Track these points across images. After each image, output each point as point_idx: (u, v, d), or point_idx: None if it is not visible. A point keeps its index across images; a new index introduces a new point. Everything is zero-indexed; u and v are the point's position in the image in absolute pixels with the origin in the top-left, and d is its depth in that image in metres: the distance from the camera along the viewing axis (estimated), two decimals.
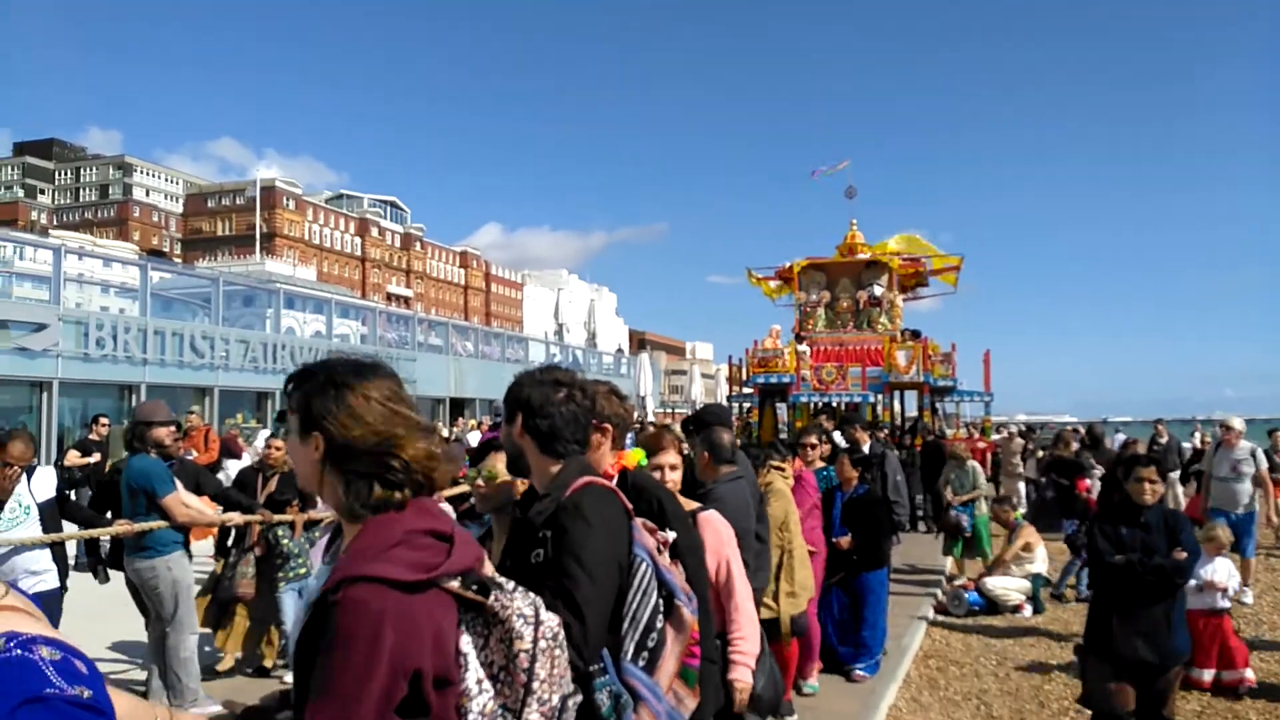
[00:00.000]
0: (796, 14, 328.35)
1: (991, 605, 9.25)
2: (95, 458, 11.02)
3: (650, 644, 2.23)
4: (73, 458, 11.09)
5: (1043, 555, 9.72)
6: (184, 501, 5.94)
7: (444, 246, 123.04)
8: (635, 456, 2.96)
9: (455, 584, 1.61)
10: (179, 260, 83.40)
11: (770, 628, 5.13)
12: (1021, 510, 10.73)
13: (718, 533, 3.56)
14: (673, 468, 5.33)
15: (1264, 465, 9.91)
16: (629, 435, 3.43)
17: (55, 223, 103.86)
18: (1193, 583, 6.15)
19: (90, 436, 11.65)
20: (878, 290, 20.74)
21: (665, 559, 2.37)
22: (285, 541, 6.74)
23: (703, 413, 5.74)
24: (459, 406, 23.14)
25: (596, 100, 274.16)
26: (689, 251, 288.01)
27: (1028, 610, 9.23)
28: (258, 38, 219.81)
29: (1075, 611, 9.39)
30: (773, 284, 22.54)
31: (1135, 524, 4.85)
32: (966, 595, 9.34)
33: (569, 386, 2.44)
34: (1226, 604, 6.84)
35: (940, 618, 9.11)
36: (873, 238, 21.82)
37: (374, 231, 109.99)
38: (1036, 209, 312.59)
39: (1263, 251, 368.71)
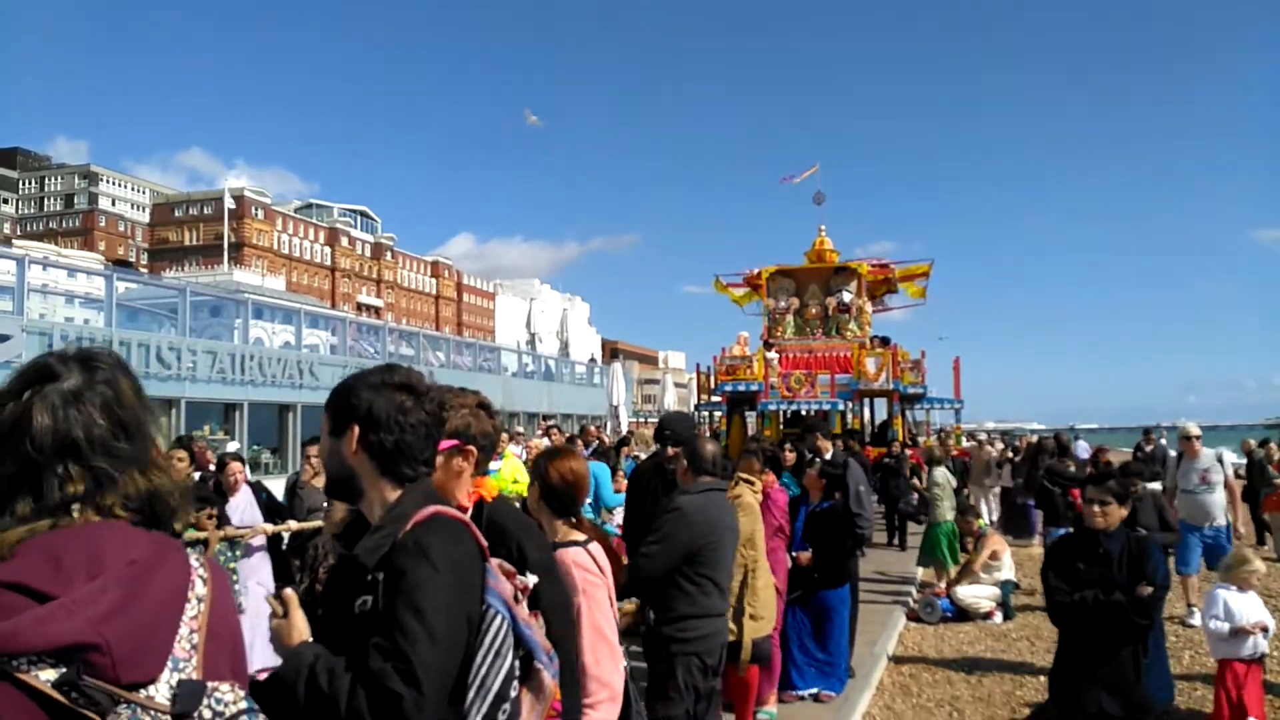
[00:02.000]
0: (767, 26, 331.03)
1: (963, 613, 9.31)
2: None
3: (502, 717, 1.83)
4: None
5: (1009, 562, 9.80)
6: None
7: (416, 256, 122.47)
8: (496, 484, 2.49)
9: (41, 675, 1.14)
10: (145, 270, 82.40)
11: (729, 651, 4.79)
12: (984, 520, 10.79)
13: (570, 575, 2.95)
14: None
15: (1230, 472, 9.23)
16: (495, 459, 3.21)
17: (19, 232, 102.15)
18: (1224, 626, 5.22)
19: None
20: (846, 296, 20.60)
21: (524, 609, 1.96)
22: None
23: (670, 423, 5.54)
24: None
25: (569, 112, 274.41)
26: (662, 261, 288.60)
27: (998, 617, 9.30)
28: (230, 48, 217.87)
29: (1044, 618, 9.46)
30: (740, 291, 22.36)
31: (1094, 555, 4.24)
32: (939, 602, 9.40)
33: (419, 393, 2.00)
34: (1264, 646, 5.44)
35: (912, 625, 9.16)
36: (841, 245, 21.73)
37: (344, 241, 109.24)
38: (1005, 221, 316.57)
39: (1224, 261, 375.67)
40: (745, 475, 5.59)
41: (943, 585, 10.04)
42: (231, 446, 12.65)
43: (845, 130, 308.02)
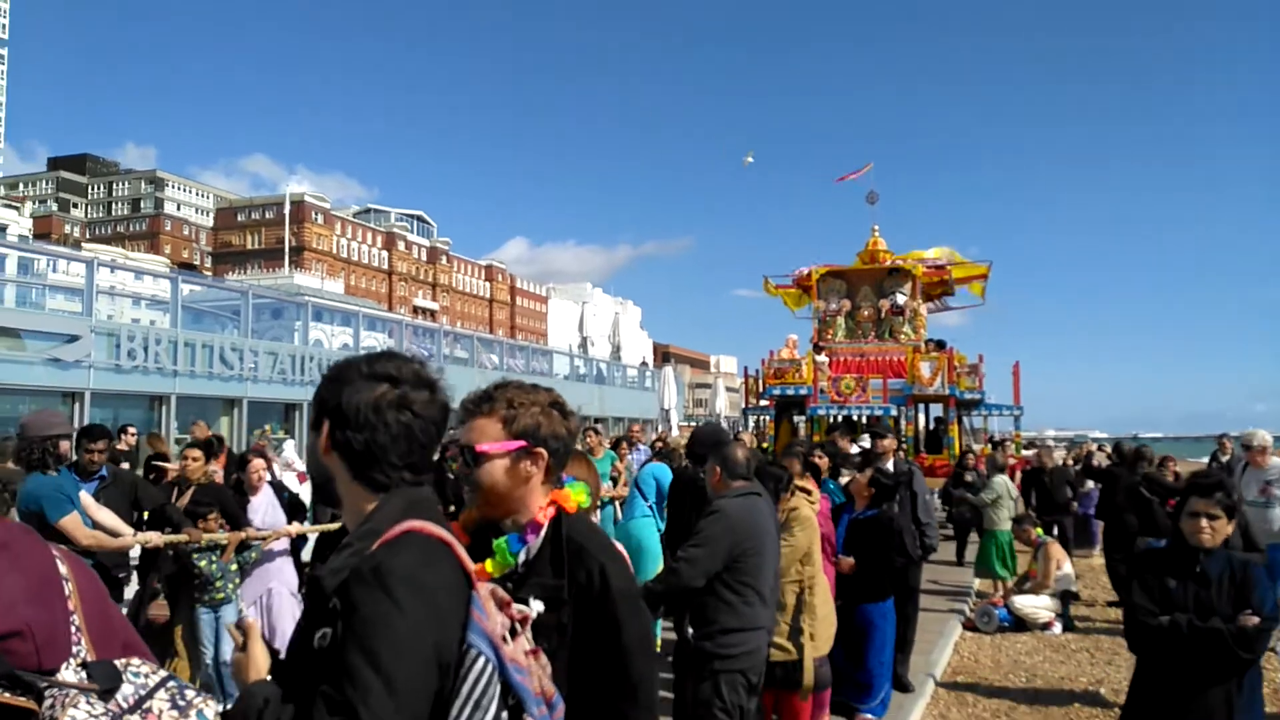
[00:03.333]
0: (823, 27, 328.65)
1: (1020, 623, 9.12)
2: (124, 467, 11.13)
3: None
4: None
5: (1070, 571, 9.59)
6: (93, 522, 5.41)
7: (470, 260, 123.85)
8: (577, 496, 2.16)
9: None
10: (209, 273, 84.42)
11: (783, 672, 4.63)
12: (1041, 529, 10.53)
13: None
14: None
15: None
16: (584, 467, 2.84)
17: (88, 236, 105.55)
18: None
19: (119, 446, 11.78)
20: (900, 299, 19.87)
21: (520, 646, 1.62)
22: (201, 564, 5.99)
23: (700, 440, 5.35)
24: None
25: (623, 116, 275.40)
26: (714, 265, 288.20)
27: (1057, 627, 9.10)
28: (292, 57, 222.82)
29: (1105, 629, 9.25)
30: (790, 294, 21.64)
31: (1189, 574, 3.67)
32: (996, 612, 9.23)
33: (403, 383, 1.69)
34: None
35: (969, 634, 9.00)
36: (896, 248, 20.92)
37: (401, 245, 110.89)
38: (1064, 223, 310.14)
39: None
40: (802, 485, 5.25)
41: (1000, 595, 9.85)
42: (289, 446, 12.88)
43: (903, 133, 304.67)
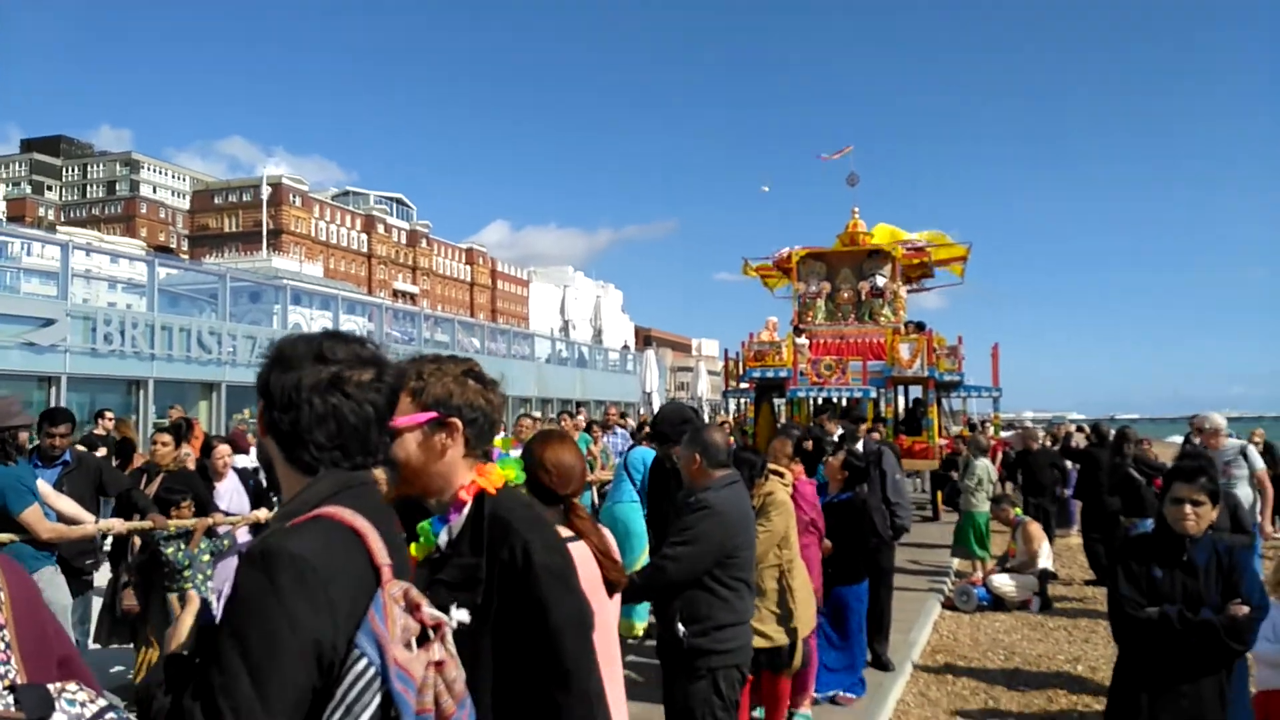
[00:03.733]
0: (803, 9, 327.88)
1: (999, 601, 9.22)
2: (101, 452, 11.05)
3: None
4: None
5: (1047, 551, 9.70)
6: (53, 513, 5.29)
7: (450, 244, 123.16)
8: (506, 471, 2.05)
9: None
10: (186, 256, 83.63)
11: (766, 658, 4.71)
12: (1019, 509, 10.63)
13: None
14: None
15: (1259, 464, 8.40)
16: (501, 437, 2.66)
17: (63, 219, 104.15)
18: (1269, 649, 4.14)
19: (95, 431, 11.69)
20: (880, 280, 19.83)
21: (424, 657, 1.43)
22: (168, 551, 5.70)
23: (663, 420, 5.14)
24: None
25: (604, 98, 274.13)
26: (696, 248, 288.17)
27: (1035, 606, 9.21)
28: (269, 38, 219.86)
29: (1082, 606, 9.37)
30: (770, 275, 21.64)
31: (1176, 563, 3.57)
32: (975, 591, 9.32)
33: (335, 364, 1.60)
34: None
35: (948, 613, 9.09)
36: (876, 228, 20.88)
37: (380, 228, 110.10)
38: (1042, 205, 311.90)
39: (1271, 250, 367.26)
40: (776, 468, 5.19)
41: (979, 574, 9.94)
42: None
43: (884, 113, 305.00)
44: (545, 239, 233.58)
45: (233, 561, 6.01)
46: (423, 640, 1.44)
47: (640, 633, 7.18)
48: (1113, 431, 12.04)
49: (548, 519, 2.08)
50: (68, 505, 5.53)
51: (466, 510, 1.93)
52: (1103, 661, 7.34)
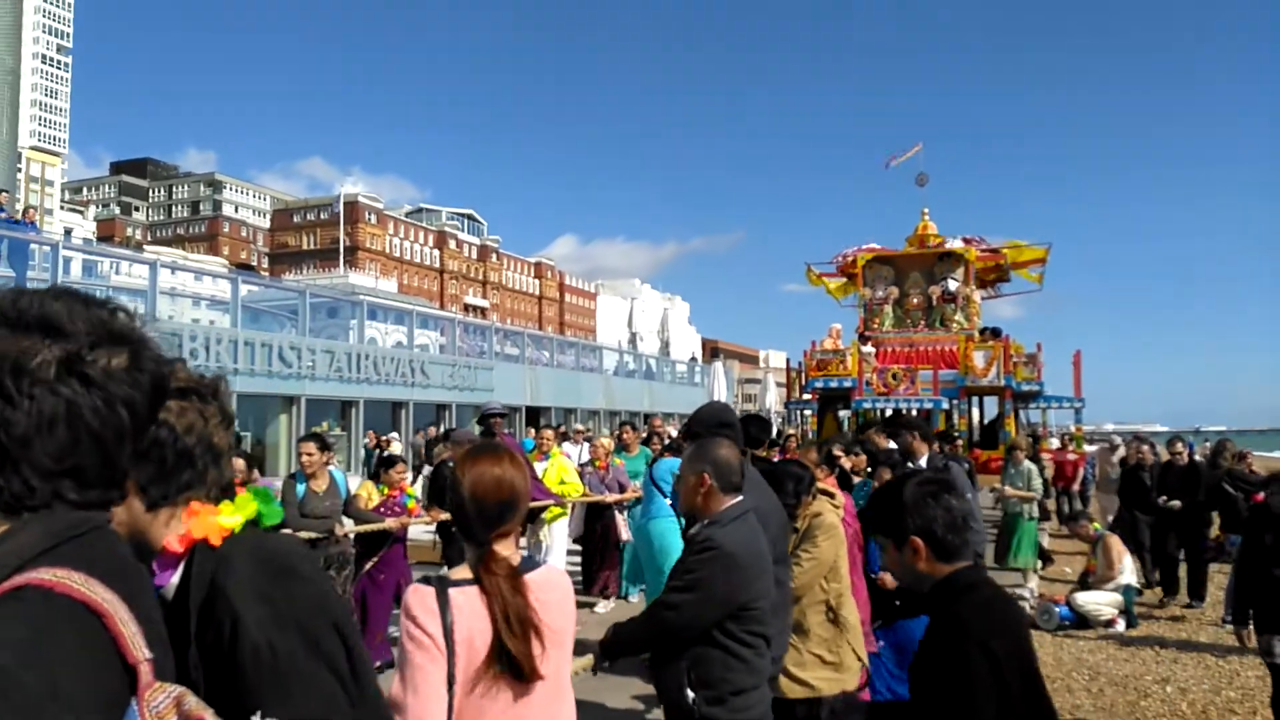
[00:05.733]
0: (875, 15, 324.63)
1: (1083, 620, 8.94)
2: None
3: None
4: None
5: (1130, 566, 9.38)
6: None
7: (519, 258, 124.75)
8: (228, 514, 1.45)
9: None
10: (266, 273, 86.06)
11: (805, 710, 3.95)
12: (1099, 523, 10.25)
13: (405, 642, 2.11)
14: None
15: None
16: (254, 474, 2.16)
17: (149, 238, 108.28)
18: None
19: None
20: (952, 285, 18.91)
21: None
22: None
23: (703, 417, 4.02)
24: (535, 414, 23.38)
25: (672, 113, 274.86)
26: (763, 260, 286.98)
27: (1121, 625, 8.91)
28: (348, 63, 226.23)
29: (1170, 627, 9.04)
30: (835, 282, 20.68)
31: None
32: (1057, 609, 9.05)
33: (70, 337, 1.01)
34: None
35: (1030, 632, 8.84)
36: (947, 233, 19.91)
37: (452, 244, 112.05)
38: (1121, 211, 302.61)
39: None
40: (826, 488, 4.55)
41: (1057, 594, 9.64)
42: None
43: (958, 113, 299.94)
44: (613, 252, 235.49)
45: None
46: None
47: None
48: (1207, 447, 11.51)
49: (309, 572, 1.46)
50: None
51: (180, 568, 1.40)
52: (1192, 683, 7.07)
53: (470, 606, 2.06)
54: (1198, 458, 12.69)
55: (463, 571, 2.16)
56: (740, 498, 3.17)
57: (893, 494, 2.32)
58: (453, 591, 2.08)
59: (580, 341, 36.22)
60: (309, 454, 6.82)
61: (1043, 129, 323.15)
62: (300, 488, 6.79)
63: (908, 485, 2.30)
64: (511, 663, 2.04)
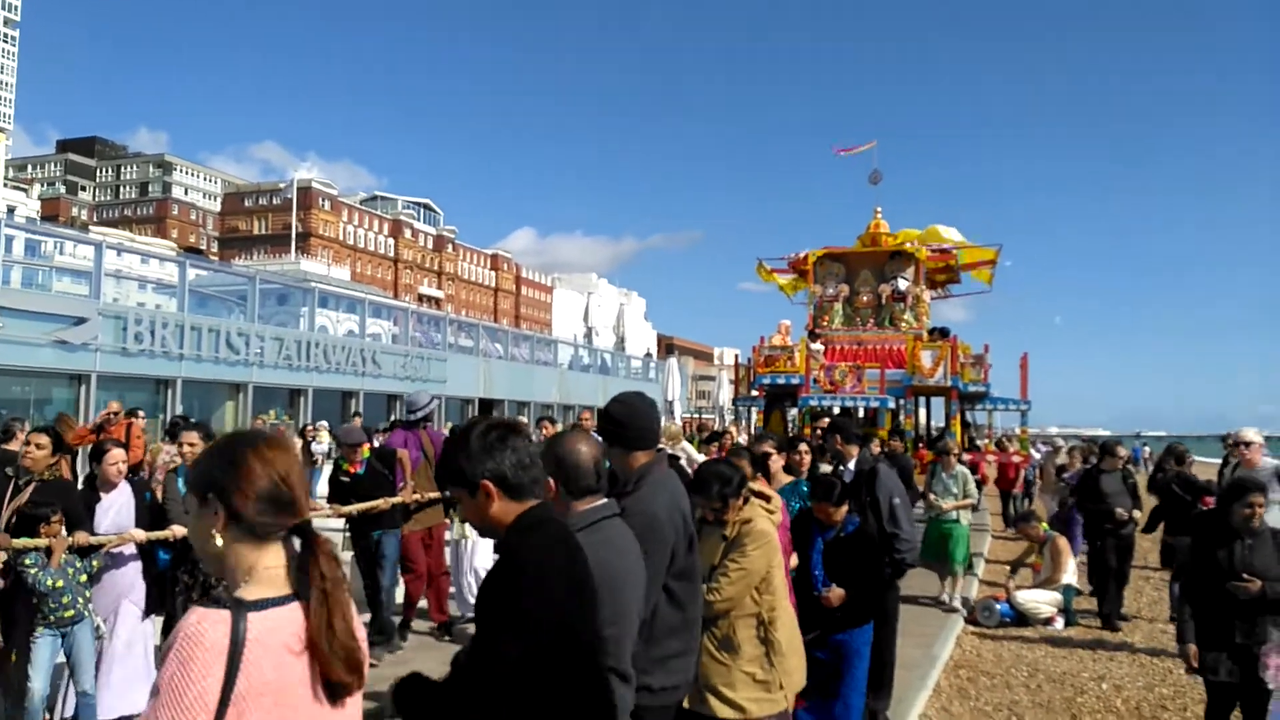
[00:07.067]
0: (827, 12, 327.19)
1: (1022, 617, 9.12)
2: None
3: None
4: None
5: (1072, 567, 9.58)
6: None
7: (476, 249, 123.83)
8: None
9: None
10: (215, 258, 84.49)
11: None
12: (1046, 524, 10.45)
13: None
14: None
15: None
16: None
17: (96, 219, 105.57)
18: None
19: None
20: (902, 284, 18.89)
21: None
22: (34, 572, 4.85)
23: (611, 409, 3.33)
24: (488, 407, 23.25)
25: (632, 107, 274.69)
26: (720, 259, 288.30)
27: (1059, 623, 9.10)
28: (305, 47, 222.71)
29: (1106, 624, 9.24)
30: (786, 278, 20.72)
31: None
32: (998, 606, 9.22)
33: None
34: None
35: (971, 628, 9.00)
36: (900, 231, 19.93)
37: (407, 233, 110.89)
38: (1074, 215, 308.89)
39: None
40: (758, 489, 4.12)
41: (998, 590, 9.82)
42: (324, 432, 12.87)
43: (913, 116, 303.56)
44: (571, 247, 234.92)
45: (110, 583, 5.34)
46: None
47: None
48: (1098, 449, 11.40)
49: None
50: None
51: None
52: (1127, 680, 7.24)
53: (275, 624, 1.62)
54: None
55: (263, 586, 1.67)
56: (599, 502, 2.77)
57: (460, 445, 2.34)
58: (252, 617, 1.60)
59: (535, 335, 36.12)
60: (190, 444, 5.90)
61: (992, 126, 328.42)
62: (181, 483, 5.84)
63: (472, 434, 2.33)
64: (333, 694, 1.67)
